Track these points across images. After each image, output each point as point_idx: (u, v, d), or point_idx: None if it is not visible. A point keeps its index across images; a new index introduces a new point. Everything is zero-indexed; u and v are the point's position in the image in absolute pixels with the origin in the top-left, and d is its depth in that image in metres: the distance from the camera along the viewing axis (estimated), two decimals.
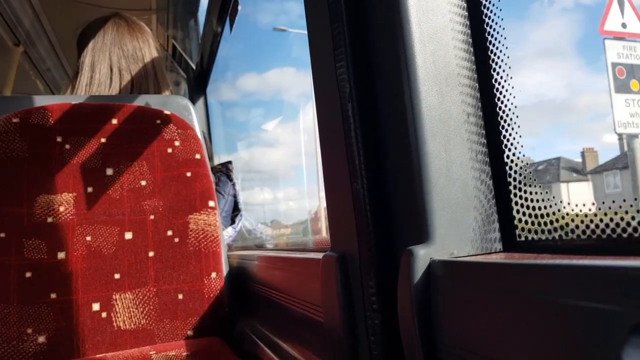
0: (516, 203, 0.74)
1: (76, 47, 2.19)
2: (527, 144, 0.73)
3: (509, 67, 0.74)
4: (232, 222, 2.38)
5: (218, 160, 3.43)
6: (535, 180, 0.72)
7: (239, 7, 2.66)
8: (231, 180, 2.43)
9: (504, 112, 0.76)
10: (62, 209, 1.61)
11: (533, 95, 0.71)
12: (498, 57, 0.76)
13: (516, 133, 0.74)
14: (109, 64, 2.04)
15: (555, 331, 0.48)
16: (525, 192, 0.73)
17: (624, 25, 0.93)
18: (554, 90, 0.71)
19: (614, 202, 0.58)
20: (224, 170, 2.43)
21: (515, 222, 0.75)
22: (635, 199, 0.55)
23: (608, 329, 0.42)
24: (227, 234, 2.26)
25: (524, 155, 0.73)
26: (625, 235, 0.57)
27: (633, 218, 0.56)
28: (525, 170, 0.74)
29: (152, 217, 1.69)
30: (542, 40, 0.73)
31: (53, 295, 1.54)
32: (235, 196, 2.43)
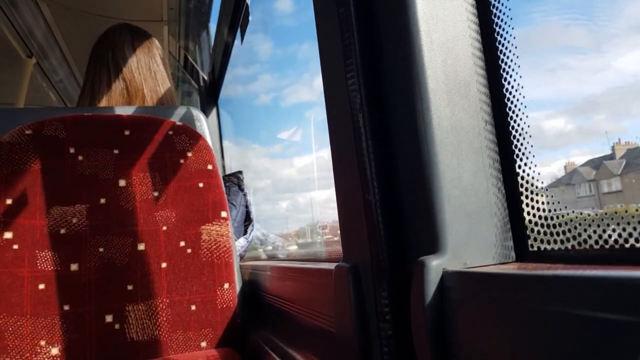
0: (528, 213, 0.74)
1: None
2: (626, 127, 0.72)
3: (520, 77, 0.74)
4: (245, 232, 2.38)
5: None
6: (546, 189, 0.72)
7: (250, 18, 2.67)
8: (242, 190, 2.43)
9: (515, 121, 0.75)
10: (75, 220, 1.61)
11: (630, 74, 0.70)
12: (509, 66, 0.76)
13: (527, 142, 0.74)
14: (110, 76, 2.05)
15: (569, 342, 0.47)
16: (537, 201, 0.73)
17: None
18: None
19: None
20: (235, 181, 2.43)
21: (528, 232, 0.74)
22: None
23: (625, 340, 0.42)
24: (239, 244, 2.26)
25: (536, 165, 0.73)
26: (638, 245, 0.57)
27: None
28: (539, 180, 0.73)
29: (164, 228, 1.69)
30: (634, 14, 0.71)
31: (66, 307, 1.54)
32: (247, 206, 2.43)
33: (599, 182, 0.76)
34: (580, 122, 0.76)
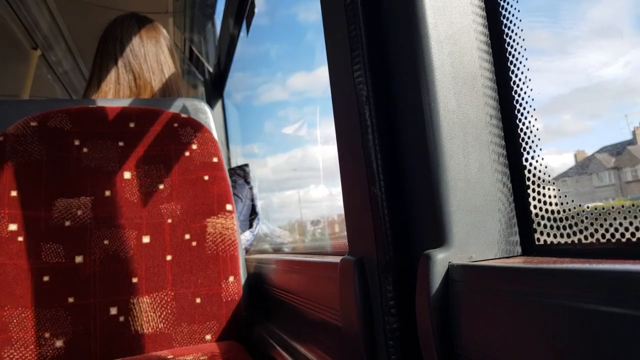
0: (535, 207, 0.74)
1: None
2: (590, 127, 0.72)
3: (527, 69, 0.74)
4: (250, 225, 2.38)
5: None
6: (553, 182, 0.72)
7: (256, 10, 2.66)
8: (248, 183, 2.42)
9: (522, 114, 0.75)
10: (79, 212, 1.61)
11: (593, 76, 0.70)
12: (516, 59, 0.76)
13: (534, 136, 0.73)
14: (115, 65, 2.04)
15: (576, 336, 0.47)
16: (544, 195, 0.72)
17: None
18: (614, 70, 0.70)
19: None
20: (241, 174, 2.42)
21: (535, 225, 0.74)
22: None
23: (631, 334, 0.42)
24: (245, 237, 2.26)
25: (542, 159, 0.72)
26: None
27: None
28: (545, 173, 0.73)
29: (169, 220, 1.69)
30: (599, 17, 0.72)
31: (71, 299, 1.54)
32: (253, 200, 2.42)
33: (622, 170, 0.74)
34: (547, 122, 0.77)
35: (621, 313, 0.43)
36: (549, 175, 0.72)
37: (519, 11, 0.75)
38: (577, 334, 0.47)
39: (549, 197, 0.72)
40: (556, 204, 0.70)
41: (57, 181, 1.61)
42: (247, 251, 2.26)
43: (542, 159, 0.73)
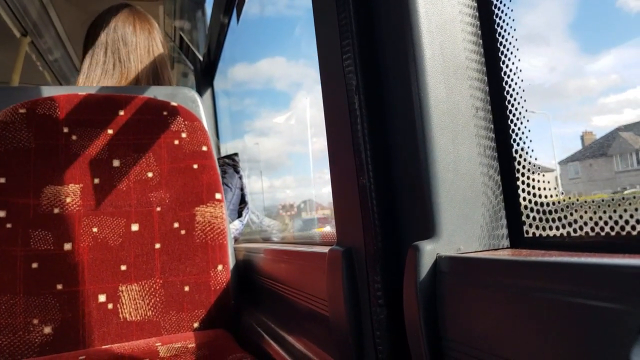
0: (524, 199, 0.74)
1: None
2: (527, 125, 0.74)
3: (519, 60, 0.74)
4: (239, 214, 2.38)
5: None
6: (543, 175, 0.72)
7: None
8: (238, 172, 2.42)
9: (512, 105, 0.75)
10: (68, 200, 1.61)
11: (525, 79, 0.71)
12: (507, 50, 0.75)
13: (525, 127, 0.73)
14: (107, 56, 2.04)
15: (562, 329, 0.47)
16: (533, 187, 0.72)
17: None
18: (542, 75, 0.71)
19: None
20: (231, 163, 2.42)
21: (523, 218, 0.74)
22: None
23: (617, 328, 0.42)
24: (234, 227, 2.26)
25: (533, 150, 0.72)
26: (635, 232, 0.56)
27: None
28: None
29: (158, 209, 1.68)
30: (530, 24, 0.73)
31: (59, 286, 1.54)
32: (242, 189, 2.42)
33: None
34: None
35: (608, 307, 0.42)
36: (539, 167, 0.72)
37: (510, 0, 0.75)
38: (564, 327, 0.47)
39: (538, 189, 0.72)
40: (545, 196, 0.70)
41: (46, 168, 1.61)
42: (236, 240, 2.26)
43: (533, 150, 0.73)
